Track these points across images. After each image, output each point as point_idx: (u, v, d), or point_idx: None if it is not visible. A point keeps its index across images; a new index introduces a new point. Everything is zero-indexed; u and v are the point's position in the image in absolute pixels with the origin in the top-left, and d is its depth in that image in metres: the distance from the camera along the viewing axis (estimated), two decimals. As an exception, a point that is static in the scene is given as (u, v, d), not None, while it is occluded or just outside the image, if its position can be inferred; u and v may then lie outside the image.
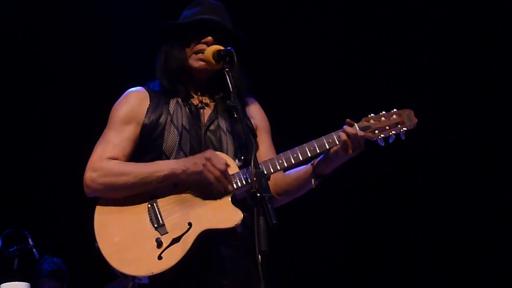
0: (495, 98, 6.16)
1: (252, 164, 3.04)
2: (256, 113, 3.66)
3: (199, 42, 3.51)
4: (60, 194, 6.47)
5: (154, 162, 3.41)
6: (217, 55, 3.41)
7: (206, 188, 3.36)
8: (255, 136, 3.60)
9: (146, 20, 6.10)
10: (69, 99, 6.48)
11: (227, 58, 3.37)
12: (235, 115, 3.28)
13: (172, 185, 3.39)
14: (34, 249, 5.60)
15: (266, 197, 2.92)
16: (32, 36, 6.34)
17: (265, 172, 3.33)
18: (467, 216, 6.25)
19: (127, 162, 3.45)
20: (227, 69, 3.34)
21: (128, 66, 5.84)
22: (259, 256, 2.85)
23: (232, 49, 3.36)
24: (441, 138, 6.20)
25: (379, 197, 6.43)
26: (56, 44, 6.37)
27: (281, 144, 3.56)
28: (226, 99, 3.40)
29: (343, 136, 3.37)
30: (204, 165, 3.31)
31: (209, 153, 3.35)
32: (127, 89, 3.60)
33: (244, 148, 3.47)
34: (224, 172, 3.32)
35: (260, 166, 3.21)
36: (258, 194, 2.94)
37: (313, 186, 3.47)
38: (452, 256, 6.32)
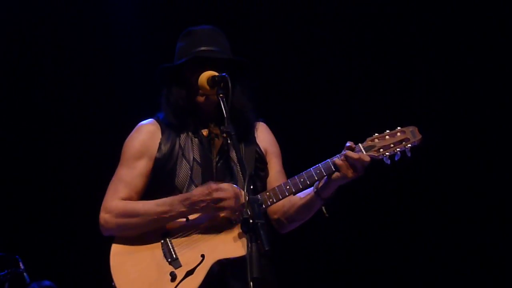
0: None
1: (244, 190, 3.04)
2: (265, 137, 3.66)
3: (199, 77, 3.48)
4: (52, 218, 6.43)
5: (165, 200, 3.40)
6: (211, 81, 3.41)
7: (217, 220, 3.38)
8: (264, 162, 3.62)
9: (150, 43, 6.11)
10: (63, 130, 6.43)
11: (222, 84, 3.37)
12: (229, 141, 3.28)
13: (184, 220, 3.42)
14: (24, 273, 5.57)
15: (259, 224, 2.92)
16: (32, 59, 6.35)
17: (275, 200, 3.40)
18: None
19: (139, 202, 3.46)
20: (221, 95, 3.35)
21: (136, 96, 5.86)
22: (251, 283, 2.84)
23: (226, 75, 3.35)
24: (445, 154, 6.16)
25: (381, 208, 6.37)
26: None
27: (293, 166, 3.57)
28: (235, 125, 3.33)
29: (338, 161, 3.38)
30: (208, 200, 3.32)
31: (213, 185, 3.35)
32: (127, 114, 3.61)
33: (253, 177, 3.50)
34: (237, 196, 3.32)
35: (264, 193, 3.34)
36: (251, 221, 2.94)
37: (326, 215, 3.47)
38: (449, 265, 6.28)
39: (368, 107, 6.15)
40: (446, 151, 6.08)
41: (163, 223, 3.40)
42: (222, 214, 3.33)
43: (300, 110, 6.32)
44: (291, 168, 3.71)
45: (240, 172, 3.45)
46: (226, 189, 3.33)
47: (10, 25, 6.23)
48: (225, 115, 3.27)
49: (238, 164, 3.45)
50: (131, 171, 3.50)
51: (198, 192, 3.36)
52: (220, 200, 3.32)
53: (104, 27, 6.28)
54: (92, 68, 6.29)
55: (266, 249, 2.85)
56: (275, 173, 3.64)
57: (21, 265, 5.58)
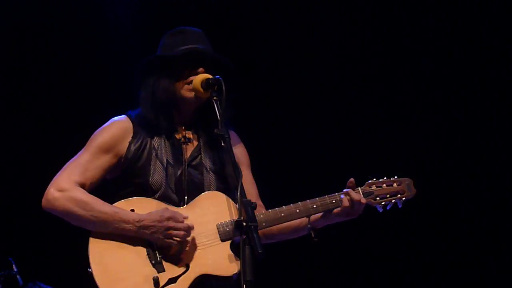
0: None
1: (238, 192, 3.05)
2: (236, 147, 3.66)
3: (190, 73, 3.49)
4: (45, 220, 6.41)
5: (120, 211, 3.37)
6: (205, 83, 3.42)
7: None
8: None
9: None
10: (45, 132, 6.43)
11: (216, 87, 3.38)
12: (223, 144, 3.28)
13: None
14: (18, 276, 5.56)
15: (252, 226, 2.93)
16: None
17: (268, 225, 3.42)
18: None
19: (94, 197, 3.41)
20: (215, 98, 3.36)
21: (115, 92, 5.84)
22: (244, 286, 2.85)
23: (220, 78, 3.37)
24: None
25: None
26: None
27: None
28: (211, 132, 3.40)
29: (346, 201, 3.46)
30: (159, 227, 3.31)
31: (167, 213, 3.33)
32: (105, 114, 3.60)
33: (230, 189, 3.49)
34: (188, 229, 3.32)
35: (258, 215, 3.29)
36: (244, 223, 2.95)
37: (316, 239, 3.53)
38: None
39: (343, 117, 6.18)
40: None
41: (105, 229, 3.33)
42: (170, 243, 3.31)
43: (277, 118, 6.33)
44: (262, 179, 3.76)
45: (215, 183, 3.49)
46: (178, 219, 3.32)
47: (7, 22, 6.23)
48: (219, 118, 3.29)
49: (213, 174, 3.49)
50: (94, 160, 3.46)
51: (152, 216, 3.33)
52: (171, 228, 3.30)
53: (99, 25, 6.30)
54: (90, 68, 6.30)
55: (260, 251, 2.86)
56: (247, 184, 3.60)
57: (14, 267, 5.57)
